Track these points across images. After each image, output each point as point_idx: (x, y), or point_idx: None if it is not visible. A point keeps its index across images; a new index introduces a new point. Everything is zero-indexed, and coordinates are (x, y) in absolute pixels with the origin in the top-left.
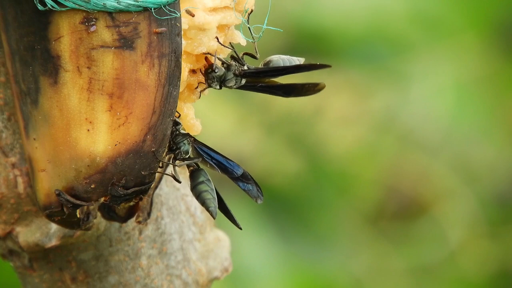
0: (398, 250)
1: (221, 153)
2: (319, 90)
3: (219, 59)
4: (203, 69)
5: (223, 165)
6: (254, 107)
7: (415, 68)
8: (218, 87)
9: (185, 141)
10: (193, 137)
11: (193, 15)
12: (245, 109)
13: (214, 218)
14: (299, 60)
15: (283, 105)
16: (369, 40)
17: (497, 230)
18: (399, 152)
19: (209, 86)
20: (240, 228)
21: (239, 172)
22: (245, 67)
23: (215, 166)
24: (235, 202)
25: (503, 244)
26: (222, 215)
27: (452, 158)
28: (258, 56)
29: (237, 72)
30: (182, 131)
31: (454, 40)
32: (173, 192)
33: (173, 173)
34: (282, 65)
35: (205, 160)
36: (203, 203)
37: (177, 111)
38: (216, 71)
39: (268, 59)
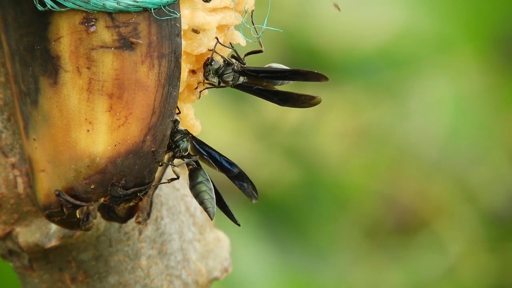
0: (397, 264)
1: (218, 151)
2: (315, 104)
3: (221, 56)
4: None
5: (221, 164)
6: (252, 118)
7: (413, 82)
8: (215, 80)
9: (184, 139)
10: (191, 134)
11: (198, 33)
12: (243, 121)
13: (211, 219)
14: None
15: (281, 117)
16: (367, 54)
17: (495, 245)
18: (397, 166)
19: (206, 78)
20: (239, 225)
21: (236, 171)
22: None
23: (212, 163)
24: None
25: (501, 259)
26: (221, 215)
27: (451, 173)
28: (263, 49)
29: (236, 68)
30: (180, 128)
31: (452, 54)
32: (173, 192)
33: (172, 170)
34: (280, 82)
35: (203, 157)
36: (201, 203)
37: (177, 108)
38: (212, 63)
39: (268, 65)
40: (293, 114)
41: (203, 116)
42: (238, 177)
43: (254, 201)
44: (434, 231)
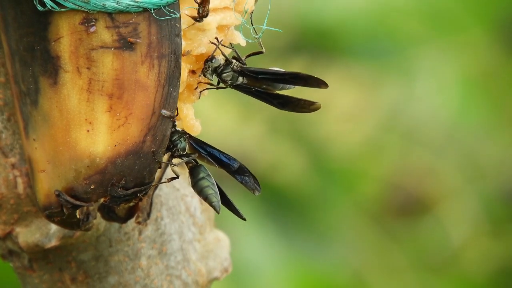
0: (402, 247)
1: (216, 147)
2: (314, 110)
3: (223, 54)
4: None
5: (220, 160)
6: (258, 104)
7: (421, 64)
8: (213, 77)
9: (182, 139)
10: (188, 134)
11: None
12: (249, 106)
13: (218, 213)
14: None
15: (290, 94)
16: (374, 35)
17: (501, 228)
18: (403, 149)
19: (204, 75)
20: (244, 219)
21: (236, 166)
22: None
23: (212, 160)
24: (236, 200)
25: (506, 242)
26: (224, 213)
27: (457, 155)
28: (264, 50)
29: (235, 67)
30: (177, 129)
31: (459, 35)
32: (173, 192)
33: (172, 170)
34: (280, 87)
35: (202, 156)
36: (205, 198)
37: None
38: (213, 61)
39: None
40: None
41: (209, 103)
42: (238, 171)
43: (256, 194)
44: (439, 215)
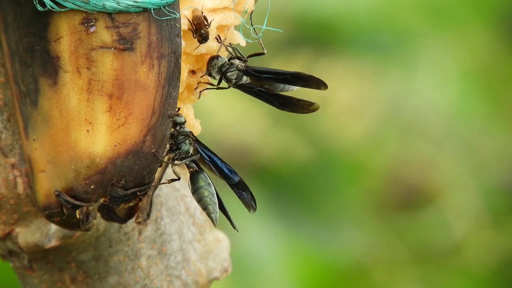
0: (403, 239)
1: (221, 157)
2: (313, 110)
3: (229, 51)
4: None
5: (222, 170)
6: None
7: (421, 57)
8: (217, 76)
9: (187, 141)
10: (195, 137)
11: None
12: (253, 98)
13: (215, 225)
14: None
15: (290, 94)
16: (375, 29)
17: (502, 220)
18: (404, 141)
19: (209, 74)
20: (237, 230)
21: (236, 179)
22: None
23: (213, 169)
24: None
25: (507, 234)
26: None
27: (458, 147)
28: (265, 51)
29: (240, 67)
30: (184, 130)
31: (459, 29)
32: (173, 192)
33: (173, 171)
34: (281, 88)
35: (204, 162)
36: (204, 208)
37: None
38: (218, 58)
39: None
40: (302, 91)
41: (213, 94)
42: (238, 185)
43: (252, 212)
44: (441, 207)
